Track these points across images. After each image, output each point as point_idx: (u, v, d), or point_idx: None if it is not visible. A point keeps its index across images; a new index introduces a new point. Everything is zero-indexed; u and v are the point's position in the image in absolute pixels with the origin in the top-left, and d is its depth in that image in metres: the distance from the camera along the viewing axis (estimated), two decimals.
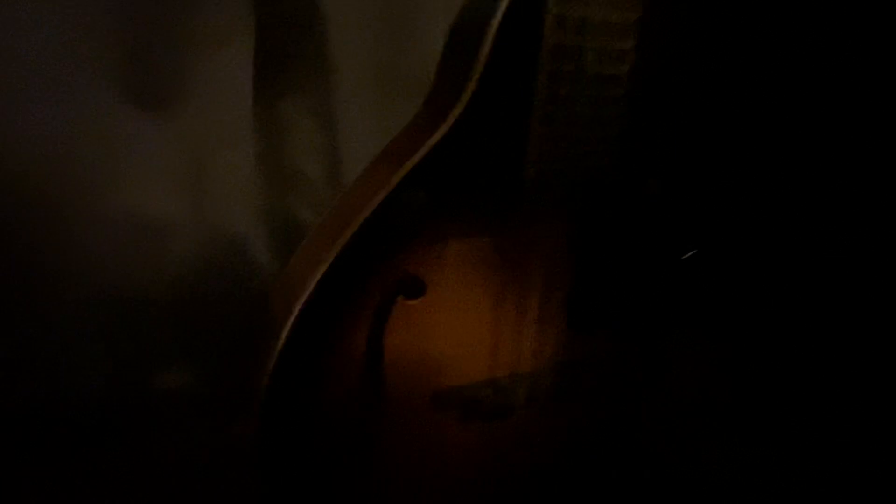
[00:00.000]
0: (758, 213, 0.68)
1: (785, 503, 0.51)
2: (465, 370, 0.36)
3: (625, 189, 0.37)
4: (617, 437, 0.46)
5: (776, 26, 0.62)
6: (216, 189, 0.55)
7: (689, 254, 0.40)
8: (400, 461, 0.36)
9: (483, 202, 0.33)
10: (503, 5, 0.29)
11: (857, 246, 0.58)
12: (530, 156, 0.32)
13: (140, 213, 0.52)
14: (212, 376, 0.57)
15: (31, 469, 0.47)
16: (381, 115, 0.57)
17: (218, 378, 0.57)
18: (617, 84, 0.32)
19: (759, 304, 0.65)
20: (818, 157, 0.61)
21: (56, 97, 0.46)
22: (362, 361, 0.32)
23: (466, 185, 0.33)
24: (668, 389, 0.53)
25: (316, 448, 0.34)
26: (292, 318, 0.29)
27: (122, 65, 0.48)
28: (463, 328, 0.35)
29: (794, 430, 0.57)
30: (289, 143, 0.58)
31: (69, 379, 0.52)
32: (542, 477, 0.43)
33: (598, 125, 0.32)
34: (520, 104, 0.31)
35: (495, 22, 0.29)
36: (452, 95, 0.32)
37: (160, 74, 0.50)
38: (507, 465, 0.40)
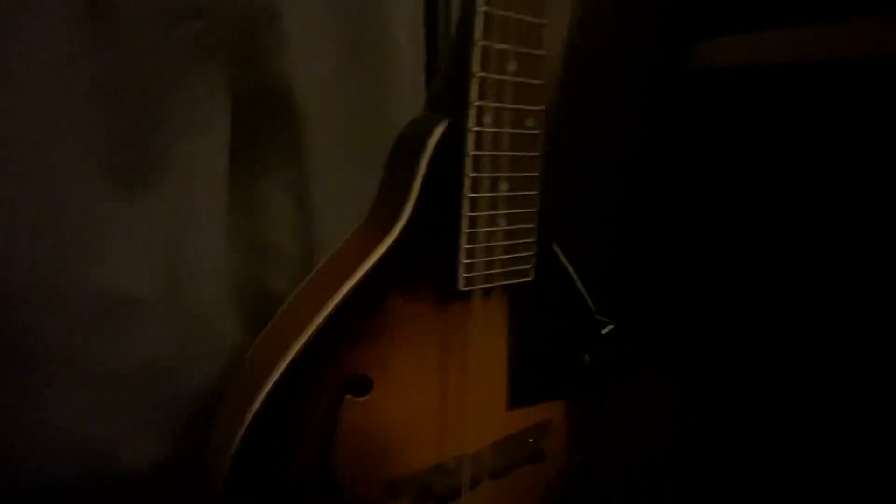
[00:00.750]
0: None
1: None
2: (416, 457, 0.39)
3: (547, 282, 0.42)
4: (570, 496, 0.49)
5: None
6: (191, 266, 0.56)
7: (608, 328, 0.46)
8: None
9: (424, 301, 0.37)
10: (439, 129, 0.35)
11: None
12: (460, 258, 0.36)
13: (113, 290, 0.52)
14: (182, 453, 0.57)
15: None
16: (356, 191, 0.61)
17: (188, 455, 0.57)
18: (531, 201, 0.38)
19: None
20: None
21: (32, 176, 0.48)
22: (316, 459, 0.35)
23: (409, 288, 0.37)
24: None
25: None
26: (248, 418, 0.32)
27: (97, 147, 0.50)
28: (411, 418, 0.38)
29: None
30: (264, 219, 0.60)
31: (36, 455, 0.51)
32: None
33: (516, 233, 0.38)
34: (451, 213, 0.36)
35: (431, 143, 0.35)
36: (394, 210, 0.37)
37: (138, 158, 0.52)
38: None
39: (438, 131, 0.35)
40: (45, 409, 0.51)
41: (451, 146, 0.35)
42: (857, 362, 0.57)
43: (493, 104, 0.34)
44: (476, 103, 0.33)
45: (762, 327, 0.66)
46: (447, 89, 0.37)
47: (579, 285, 0.46)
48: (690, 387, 0.70)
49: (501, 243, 0.37)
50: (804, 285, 0.63)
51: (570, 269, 0.45)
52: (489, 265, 0.37)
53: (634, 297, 0.77)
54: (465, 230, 0.35)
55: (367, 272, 0.35)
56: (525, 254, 0.39)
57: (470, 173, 0.34)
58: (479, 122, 0.34)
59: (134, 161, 0.53)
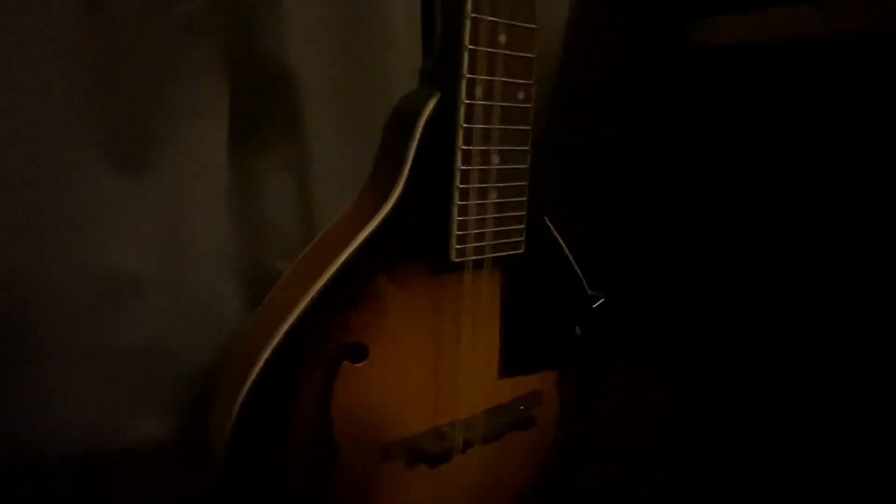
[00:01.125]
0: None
1: None
2: (410, 422, 0.41)
3: (539, 255, 0.43)
4: (556, 468, 0.51)
5: None
6: (193, 246, 0.57)
7: (599, 302, 0.47)
8: None
9: (418, 271, 0.39)
10: (430, 103, 0.36)
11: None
12: (452, 230, 0.37)
13: (116, 270, 0.54)
14: (186, 429, 0.59)
15: None
16: (355, 170, 0.61)
17: (192, 431, 0.59)
18: (522, 174, 0.38)
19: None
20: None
21: (40, 161, 0.49)
22: (314, 423, 0.36)
23: (403, 259, 0.38)
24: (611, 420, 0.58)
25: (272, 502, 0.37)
26: (247, 385, 0.34)
27: (102, 132, 0.51)
28: (405, 385, 0.40)
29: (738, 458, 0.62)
30: (264, 199, 0.61)
31: (44, 430, 0.53)
32: None
33: (507, 205, 0.38)
34: (444, 185, 0.37)
35: (423, 117, 0.36)
36: (388, 183, 0.38)
37: (139, 141, 0.53)
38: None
39: (430, 104, 0.36)
40: (51, 386, 0.53)
41: (443, 119, 0.36)
42: (854, 348, 0.58)
43: (484, 77, 0.34)
44: (467, 76, 0.34)
45: (759, 314, 0.67)
46: (440, 63, 0.37)
47: (571, 259, 0.47)
48: (686, 375, 0.71)
49: (492, 216, 0.38)
50: (802, 271, 0.64)
51: (562, 243, 0.46)
52: (480, 237, 0.38)
53: (630, 283, 0.78)
54: (457, 202, 0.36)
55: (361, 243, 0.36)
56: (516, 226, 0.40)
57: (461, 146, 0.35)
58: (471, 95, 0.34)
59: (134, 143, 0.54)
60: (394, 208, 0.37)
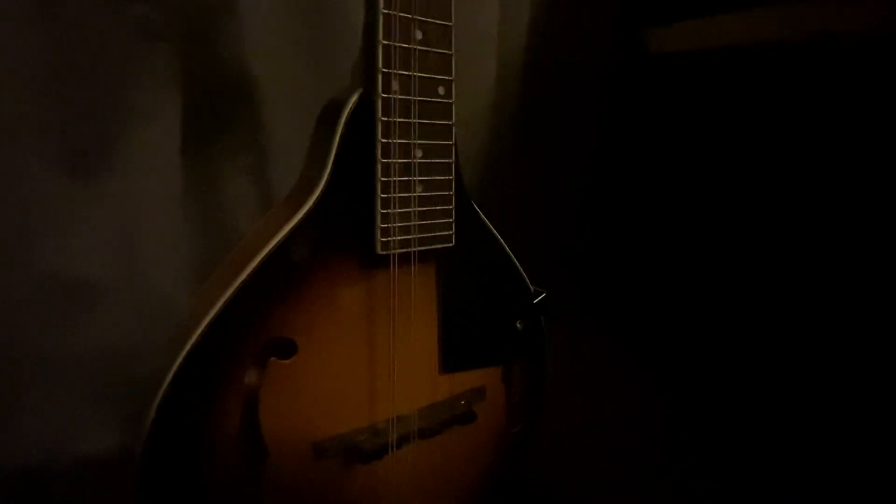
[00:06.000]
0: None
1: None
2: (344, 419, 0.40)
3: (476, 250, 0.44)
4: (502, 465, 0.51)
5: None
6: (148, 251, 0.57)
7: (540, 297, 0.47)
8: None
9: (347, 265, 0.39)
10: (353, 97, 0.36)
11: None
12: (376, 222, 0.38)
13: (67, 275, 0.53)
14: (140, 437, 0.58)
15: None
16: None
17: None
18: (447, 168, 0.39)
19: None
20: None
21: None
22: (241, 423, 0.36)
23: (330, 252, 0.38)
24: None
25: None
26: (163, 388, 0.33)
27: (52, 135, 0.51)
28: (337, 381, 0.40)
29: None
30: (223, 203, 0.61)
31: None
32: None
33: (433, 199, 0.39)
34: (367, 179, 0.37)
35: (346, 111, 0.36)
36: (314, 177, 0.38)
37: (91, 145, 0.53)
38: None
39: (353, 99, 0.36)
40: (5, 396, 0.52)
41: (366, 113, 0.36)
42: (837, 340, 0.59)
43: (400, 72, 0.35)
44: (382, 70, 0.34)
45: (739, 312, 0.68)
46: (363, 58, 0.38)
47: (510, 254, 0.48)
48: (666, 372, 0.72)
49: (417, 209, 0.38)
50: (776, 270, 0.65)
51: (500, 238, 0.47)
52: (406, 230, 0.38)
53: (610, 280, 0.79)
54: (379, 195, 0.36)
55: (285, 236, 0.36)
56: (443, 220, 0.40)
57: (380, 139, 0.36)
58: (387, 89, 0.35)
59: (86, 147, 0.53)
60: (318, 202, 0.37)
